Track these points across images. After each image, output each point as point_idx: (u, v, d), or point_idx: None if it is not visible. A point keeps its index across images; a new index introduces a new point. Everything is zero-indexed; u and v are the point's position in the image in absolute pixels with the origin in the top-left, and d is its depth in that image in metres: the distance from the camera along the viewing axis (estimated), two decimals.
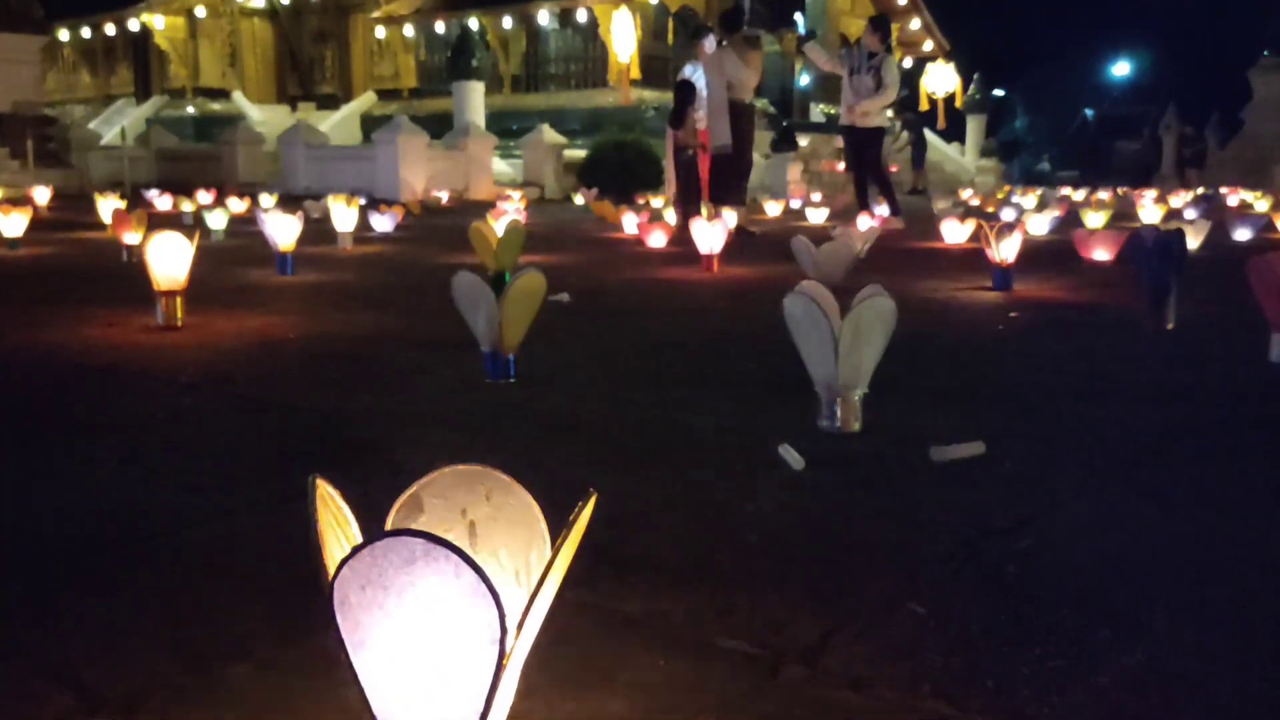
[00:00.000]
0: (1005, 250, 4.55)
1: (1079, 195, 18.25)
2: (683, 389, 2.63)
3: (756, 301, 4.29)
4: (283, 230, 5.11)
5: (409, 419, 2.30)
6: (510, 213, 8.69)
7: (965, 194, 17.76)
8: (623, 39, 20.25)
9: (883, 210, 10.38)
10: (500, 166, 18.14)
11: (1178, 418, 2.31)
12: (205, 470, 1.90)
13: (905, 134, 21.86)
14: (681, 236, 7.22)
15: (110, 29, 25.98)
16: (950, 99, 25.57)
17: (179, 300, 3.47)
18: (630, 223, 8.79)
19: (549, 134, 18.13)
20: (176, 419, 2.31)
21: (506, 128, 19.80)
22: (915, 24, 26.42)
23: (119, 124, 22.13)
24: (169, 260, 3.40)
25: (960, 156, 25.06)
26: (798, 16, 10.70)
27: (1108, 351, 3.17)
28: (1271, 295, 2.76)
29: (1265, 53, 26.92)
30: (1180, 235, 3.41)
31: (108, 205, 8.53)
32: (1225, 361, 2.98)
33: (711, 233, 5.53)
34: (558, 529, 0.83)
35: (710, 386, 2.65)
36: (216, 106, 25.07)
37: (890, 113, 25.49)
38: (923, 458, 1.92)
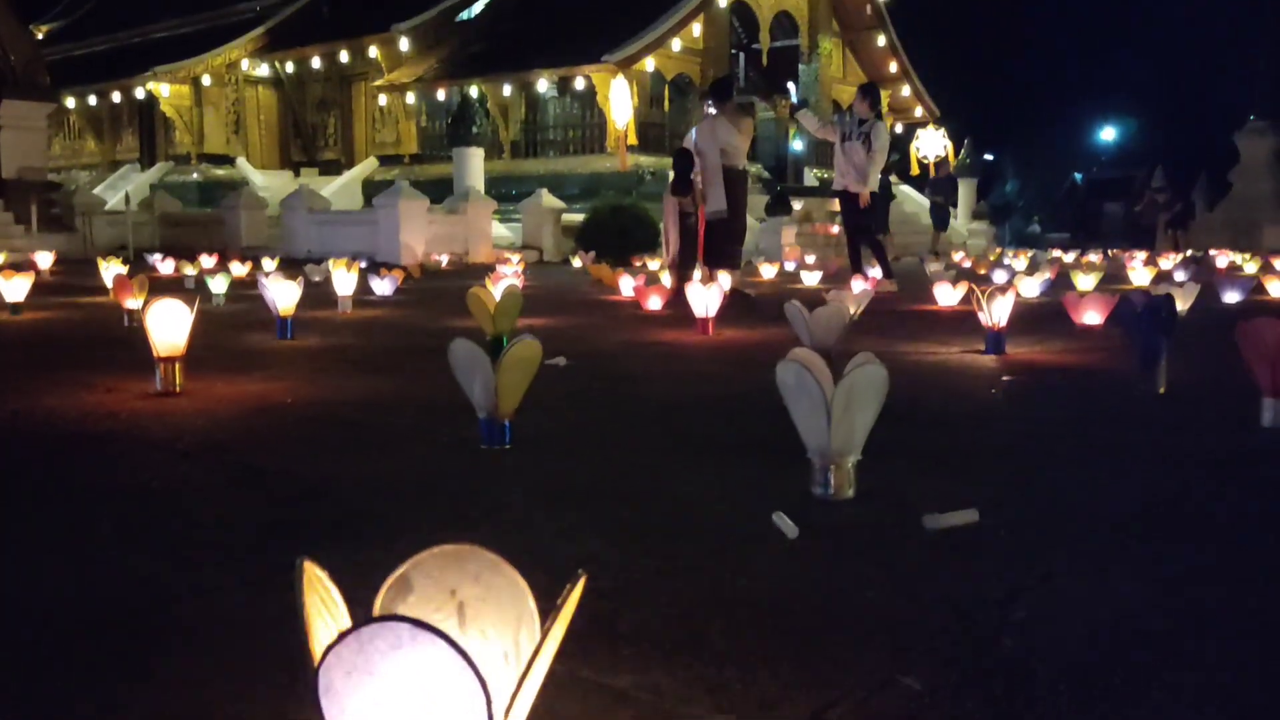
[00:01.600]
0: (997, 313, 4.59)
1: (1069, 257, 18.40)
2: (678, 455, 2.64)
3: (751, 365, 4.32)
4: (283, 295, 5.15)
5: (404, 486, 2.31)
6: (508, 277, 8.76)
7: (958, 256, 17.90)
8: (620, 106, 20.64)
9: (875, 272, 10.45)
10: (500, 230, 18.31)
11: (1171, 485, 2.32)
12: (198, 541, 1.91)
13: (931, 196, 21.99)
14: (678, 299, 7.27)
15: (117, 96, 26.36)
16: (941, 163, 25.93)
17: (178, 366, 3.49)
18: (627, 285, 8.86)
19: (547, 198, 18.33)
20: (171, 487, 2.31)
21: (506, 192, 20.02)
22: (905, 91, 26.83)
23: (123, 189, 22.32)
24: (169, 327, 3.42)
25: (953, 220, 25.25)
26: (790, 85, 10.93)
27: (1100, 416, 3.18)
28: (1262, 361, 2.78)
29: (1251, 117, 27.31)
30: (1169, 300, 3.45)
31: (110, 270, 8.59)
32: (1217, 426, 2.99)
33: (707, 296, 5.58)
34: (548, 607, 0.84)
35: (705, 452, 2.66)
36: (220, 172, 25.35)
37: (893, 177, 25.81)
38: (917, 525, 1.92)
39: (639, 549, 1.83)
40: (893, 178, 26.41)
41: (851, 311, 6.14)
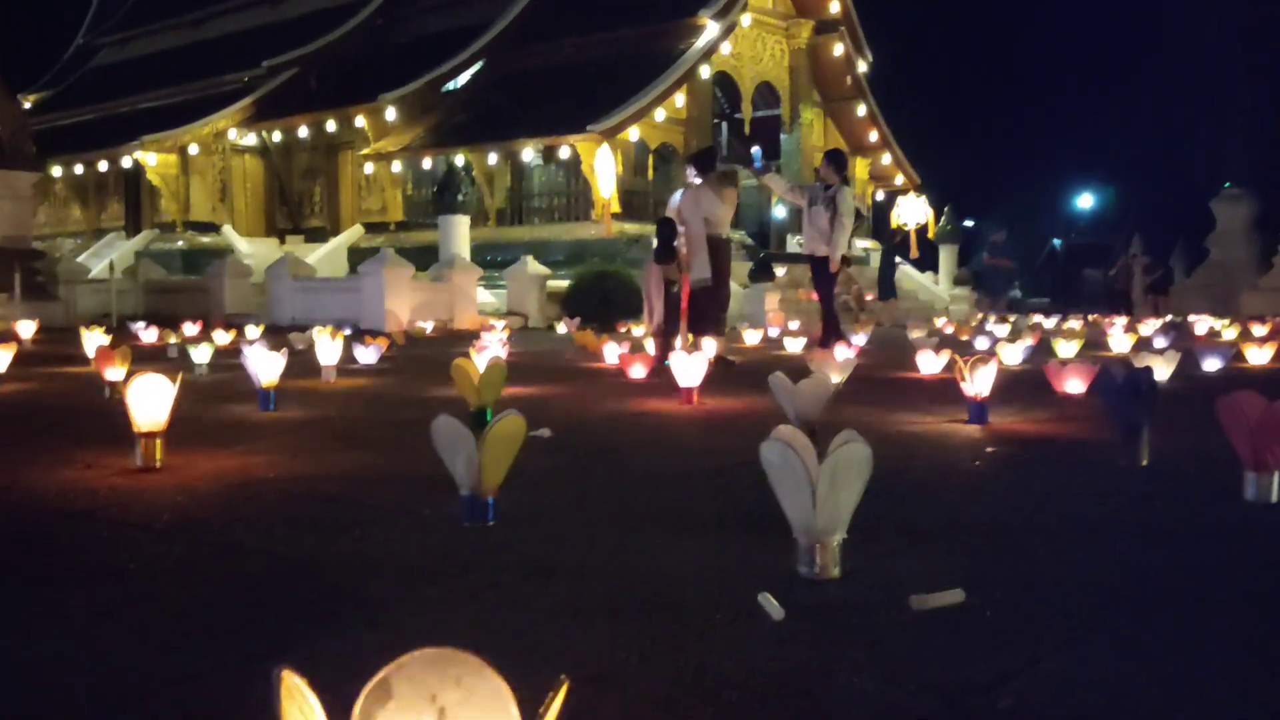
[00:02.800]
0: (980, 383, 4.61)
1: (1050, 323, 18.56)
2: (662, 531, 2.62)
3: (735, 435, 4.32)
4: (265, 366, 5.14)
5: (385, 565, 2.29)
6: (493, 344, 8.77)
7: (940, 322, 18.03)
8: (604, 175, 20.76)
9: (859, 339, 10.51)
10: (485, 296, 18.37)
11: (1156, 561, 2.31)
12: (175, 625, 1.88)
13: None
14: (662, 367, 7.28)
15: (103, 165, 26.48)
16: (923, 230, 26.25)
17: (158, 442, 3.46)
18: (611, 353, 8.87)
19: (533, 265, 18.43)
20: (150, 568, 2.28)
21: (491, 259, 20.13)
22: (886, 159, 27.22)
23: (108, 257, 22.35)
24: (149, 402, 3.40)
25: (934, 285, 25.54)
26: (755, 149, 11.02)
27: (1084, 488, 3.19)
28: (1242, 434, 2.80)
29: (1227, 184, 27.81)
30: (1149, 373, 3.48)
31: (92, 340, 8.56)
32: (1200, 499, 3.00)
33: (691, 366, 5.59)
34: (532, 706, 0.82)
35: (690, 528, 2.65)
36: (206, 240, 25.41)
37: (869, 243, 26.04)
38: (903, 605, 1.91)
39: (623, 630, 1.81)
40: (873, 243, 26.79)
41: (836, 380, 6.17)
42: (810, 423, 3.77)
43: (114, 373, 5.87)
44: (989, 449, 3.99)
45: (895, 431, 4.46)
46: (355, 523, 2.72)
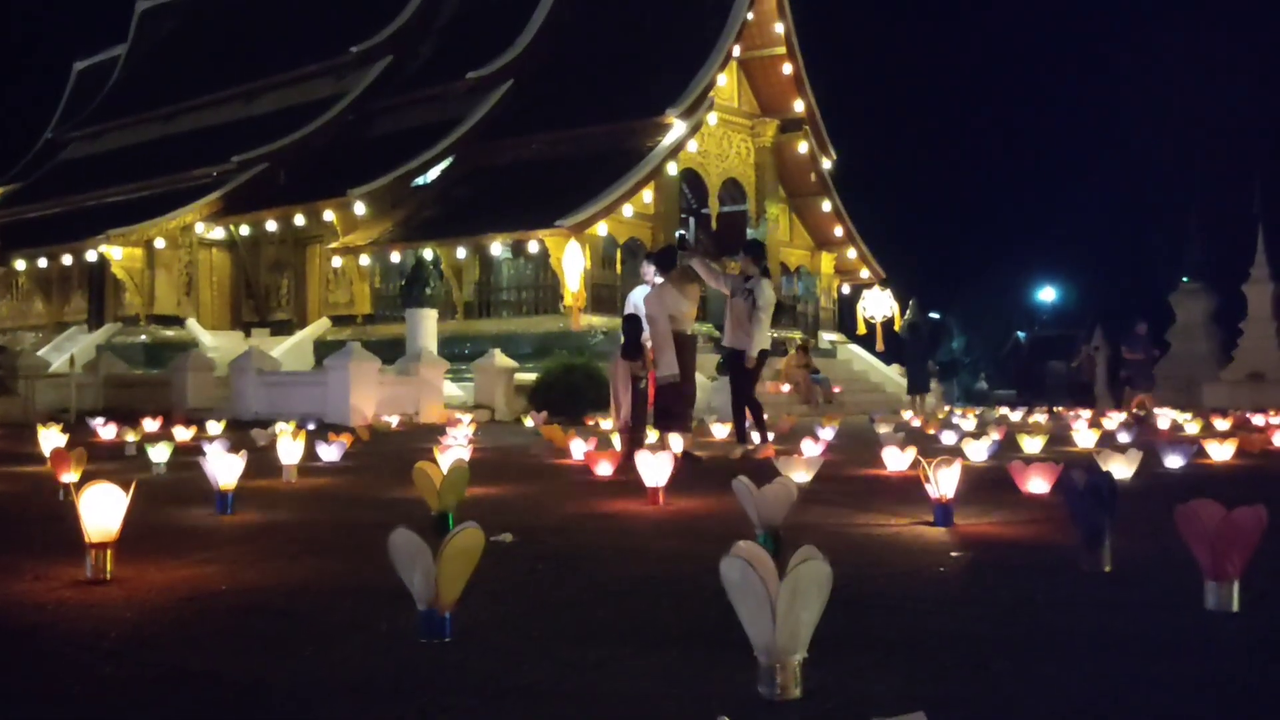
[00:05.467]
0: (944, 485, 4.61)
1: (1016, 415, 18.70)
2: (625, 646, 2.57)
3: (701, 540, 4.28)
4: (224, 468, 5.06)
5: (338, 686, 2.23)
6: (458, 442, 8.71)
7: (907, 415, 18.12)
8: (573, 269, 21.05)
9: (827, 434, 10.52)
10: (451, 389, 18.31)
11: (1120, 678, 2.29)
12: None
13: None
14: (628, 464, 7.24)
15: (68, 259, 26.39)
16: (888, 322, 26.59)
17: (109, 553, 3.38)
18: (578, 449, 8.82)
19: (500, 358, 18.43)
20: (94, 692, 2.21)
21: (459, 351, 20.14)
22: (852, 254, 27.67)
23: (69, 351, 22.15)
24: (101, 512, 3.33)
25: (901, 379, 25.73)
26: (681, 232, 11.04)
27: (1048, 596, 3.17)
28: (1201, 543, 2.80)
29: (1184, 279, 28.44)
30: (1110, 478, 3.49)
31: (48, 438, 8.42)
32: (1163, 609, 2.99)
33: (656, 465, 5.56)
34: None
35: (653, 643, 2.60)
36: (169, 333, 25.27)
37: (836, 335, 26.19)
38: None
39: None
40: (839, 336, 27.04)
41: (804, 480, 6.16)
42: (774, 528, 3.74)
43: (69, 475, 5.77)
44: (954, 553, 3.97)
45: (860, 535, 4.44)
46: (309, 639, 2.65)
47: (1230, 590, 2.82)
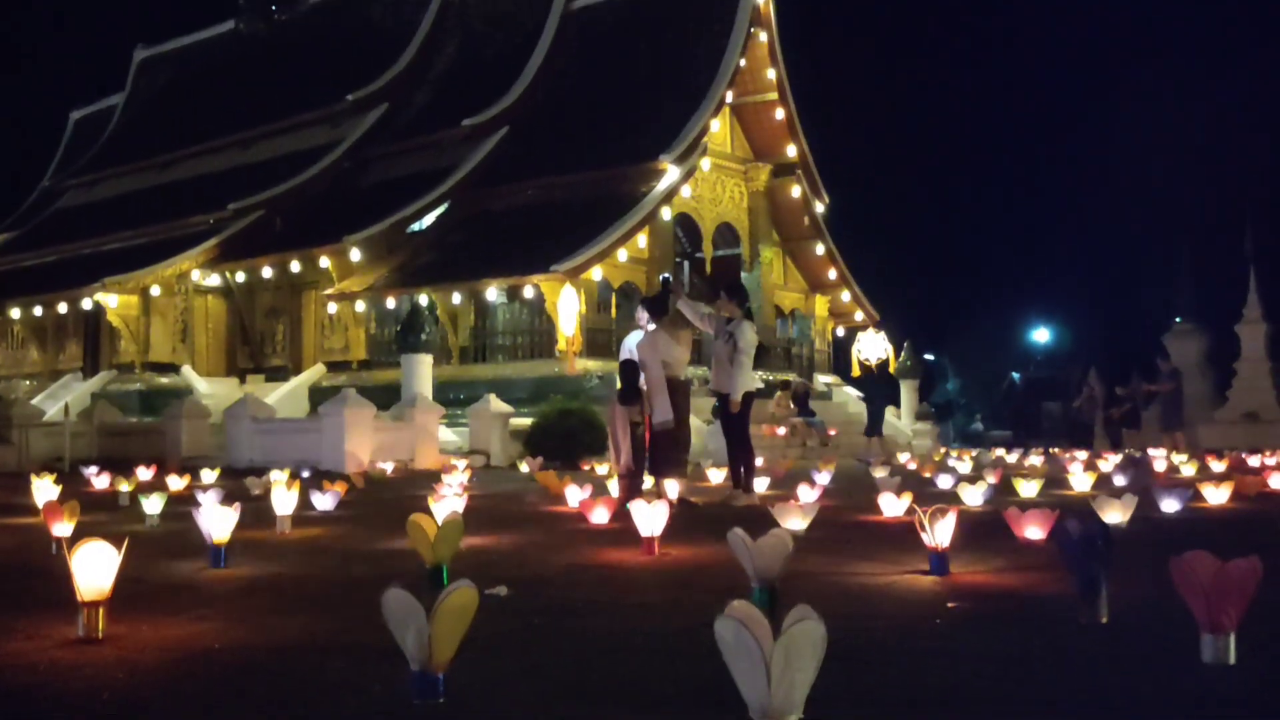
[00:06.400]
0: (940, 534, 4.60)
1: (1012, 457, 18.70)
2: (621, 706, 2.56)
3: (696, 592, 4.26)
4: (217, 524, 5.04)
5: None
6: (452, 492, 8.68)
7: (903, 458, 18.12)
8: (568, 313, 21.11)
9: (823, 478, 10.50)
10: (447, 435, 18.27)
11: None
12: None
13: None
14: (624, 511, 7.22)
15: (63, 307, 26.41)
16: (883, 365, 26.62)
17: (101, 611, 3.36)
18: (573, 496, 8.79)
19: (495, 403, 18.41)
20: None
21: (454, 397, 20.11)
22: (846, 296, 27.76)
23: (65, 399, 22.10)
24: (94, 570, 3.32)
25: (897, 420, 25.76)
26: (665, 275, 11.11)
27: (1045, 650, 3.16)
28: (1197, 596, 2.80)
29: (1178, 319, 28.57)
30: (1105, 529, 3.49)
31: (41, 489, 8.39)
32: (1160, 662, 2.98)
33: (652, 515, 5.55)
34: None
35: (648, 703, 2.59)
36: (164, 380, 25.24)
37: (830, 378, 26.22)
38: None
39: None
40: (834, 378, 27.07)
41: (799, 528, 6.14)
42: (770, 580, 3.73)
43: (61, 528, 5.74)
44: (950, 604, 3.96)
45: (857, 585, 4.43)
46: (301, 700, 2.64)
47: (1226, 643, 2.81)
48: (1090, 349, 35.94)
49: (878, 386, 21.75)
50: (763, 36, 25.03)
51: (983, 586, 4.37)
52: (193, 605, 4.09)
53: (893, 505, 7.43)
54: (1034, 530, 5.58)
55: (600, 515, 7.28)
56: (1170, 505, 7.31)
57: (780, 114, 25.80)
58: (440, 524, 4.69)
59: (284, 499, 7.05)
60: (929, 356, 38.33)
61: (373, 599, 2.70)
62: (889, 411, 26.07)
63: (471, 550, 5.59)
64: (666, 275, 11.51)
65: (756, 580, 3.75)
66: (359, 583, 4.61)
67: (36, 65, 62.54)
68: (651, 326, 9.16)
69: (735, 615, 2.10)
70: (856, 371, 25.83)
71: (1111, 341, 38.40)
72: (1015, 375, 46.51)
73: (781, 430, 20.76)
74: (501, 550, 5.89)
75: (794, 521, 6.10)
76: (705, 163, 24.10)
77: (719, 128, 24.91)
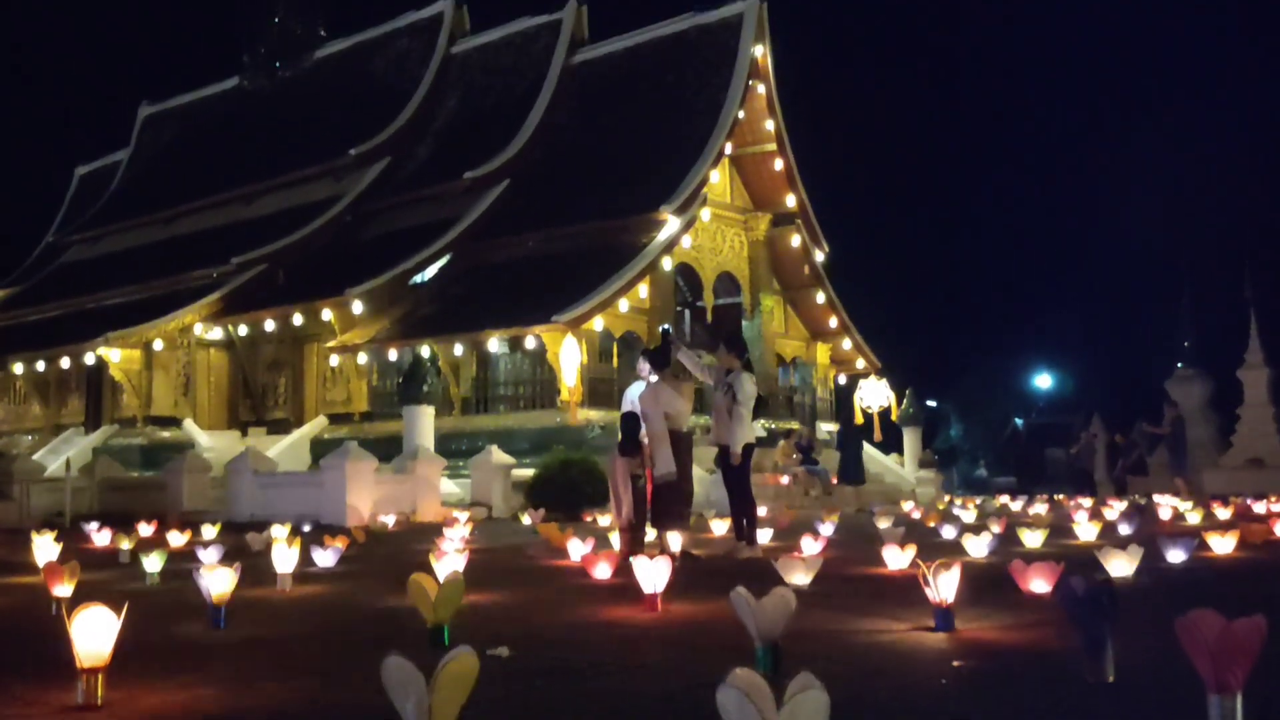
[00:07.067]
0: (944, 589, 4.57)
1: (1016, 505, 18.61)
2: None
3: (698, 651, 4.23)
4: (217, 583, 5.02)
5: None
6: (454, 547, 8.64)
7: (907, 506, 18.03)
8: (569, 363, 21.14)
9: (827, 529, 10.46)
10: (448, 486, 18.22)
11: None
12: None
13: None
14: (626, 564, 7.18)
15: (66, 362, 26.44)
16: (885, 412, 26.59)
17: (100, 678, 3.33)
18: (575, 550, 8.74)
19: (497, 454, 18.36)
20: None
21: (456, 448, 20.08)
22: (847, 344, 27.79)
23: (66, 453, 22.08)
24: (93, 636, 3.30)
25: (900, 468, 25.68)
26: (664, 327, 11.12)
27: (1052, 710, 3.13)
28: (1203, 656, 2.77)
29: (1179, 365, 28.56)
30: (1110, 588, 3.47)
31: (42, 548, 8.36)
32: None
33: (654, 571, 5.52)
34: None
35: None
36: (166, 434, 25.23)
37: (833, 426, 26.17)
38: None
39: None
40: (837, 426, 27.00)
41: (802, 582, 6.11)
42: (773, 641, 3.70)
43: (62, 589, 5.71)
44: (955, 662, 3.92)
45: (861, 643, 4.39)
46: None
47: (1233, 704, 2.78)
48: (1093, 394, 35.95)
49: (848, 433, 22.10)
50: (761, 88, 25.32)
51: (988, 643, 4.34)
52: (192, 669, 4.05)
53: (897, 558, 7.39)
54: (1039, 583, 5.54)
55: (602, 570, 7.24)
56: (1176, 556, 7.27)
57: (779, 164, 26.03)
58: (441, 583, 4.66)
59: (284, 556, 7.01)
60: (932, 403, 38.29)
61: (374, 661, 2.68)
62: (893, 459, 26.04)
63: (473, 606, 5.55)
64: (667, 327, 11.55)
65: (759, 640, 3.72)
66: (360, 644, 4.58)
67: (43, 121, 63.37)
68: (654, 378, 9.18)
69: (738, 685, 2.08)
70: (859, 419, 25.78)
71: (1114, 387, 38.41)
72: (1018, 421, 46.43)
73: (785, 479, 20.69)
74: (503, 607, 5.85)
75: (797, 576, 6.07)
76: (705, 213, 24.28)
77: (718, 178, 25.12)
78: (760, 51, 25.22)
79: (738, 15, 25.62)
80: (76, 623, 3.28)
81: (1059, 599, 3.71)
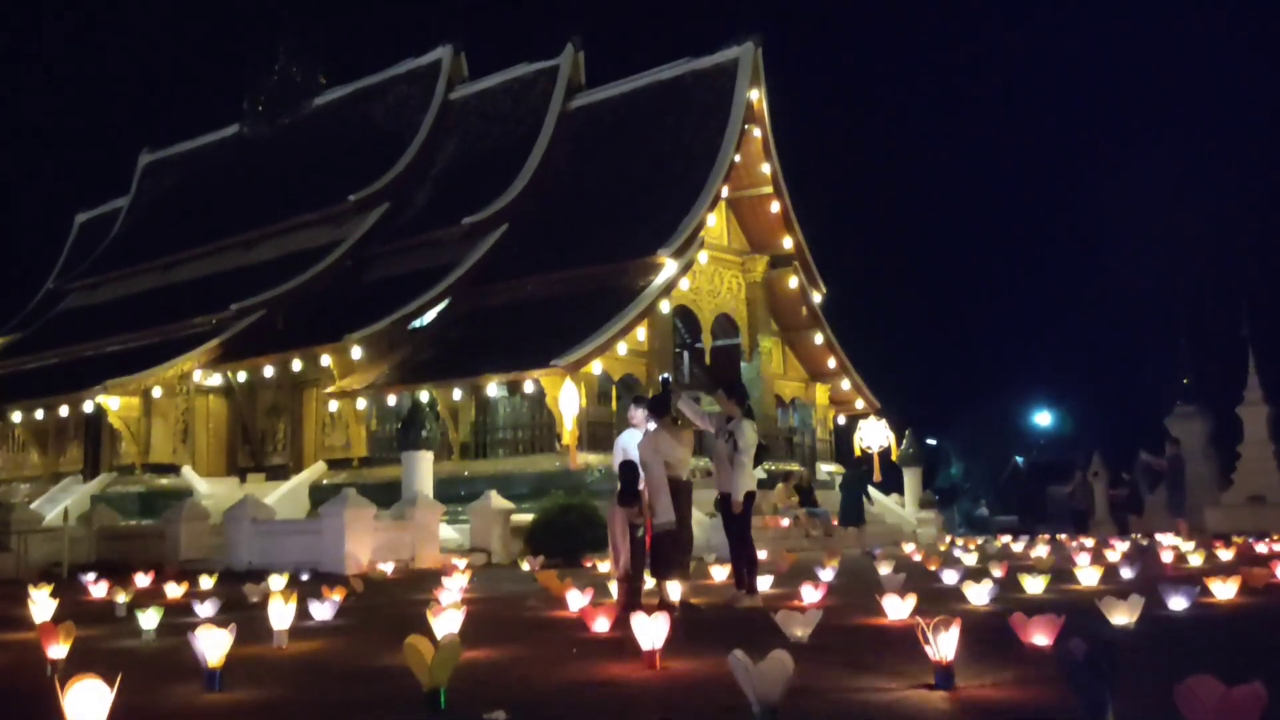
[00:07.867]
0: (944, 647, 4.55)
1: (1018, 545, 18.53)
2: None
3: (698, 716, 4.19)
4: (212, 646, 4.99)
5: None
6: (452, 598, 8.59)
7: (908, 548, 17.95)
8: (569, 407, 21.10)
9: (827, 574, 10.40)
10: (447, 532, 18.14)
11: None
12: None
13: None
14: (626, 616, 7.13)
15: (64, 410, 26.41)
16: (885, 452, 26.56)
17: None
18: (574, 600, 8.68)
19: (496, 500, 18.30)
20: None
21: (454, 493, 19.99)
22: (846, 385, 27.78)
23: (64, 502, 22.00)
24: (86, 708, 3.28)
25: (900, 509, 25.60)
26: (664, 375, 11.13)
27: None
28: None
29: (1179, 401, 28.52)
30: (1110, 650, 3.45)
31: (38, 604, 8.31)
32: None
33: (652, 627, 5.48)
34: None
35: None
36: (164, 482, 25.15)
37: (833, 466, 26.11)
38: None
39: None
40: (836, 467, 26.96)
41: (800, 634, 6.07)
42: (772, 705, 3.68)
43: (57, 650, 5.67)
44: None
45: (859, 702, 4.36)
46: None
47: None
48: (1093, 431, 35.90)
49: (852, 475, 22.16)
50: (757, 132, 25.51)
51: (989, 701, 4.30)
52: None
53: (897, 607, 7.35)
54: (1040, 637, 5.51)
55: (601, 624, 7.20)
56: (1178, 604, 7.23)
57: (776, 207, 26.17)
58: (438, 646, 4.64)
59: (281, 612, 6.97)
60: (931, 441, 38.23)
61: None
62: (893, 500, 25.97)
63: (471, 663, 5.51)
64: (667, 375, 11.59)
65: (758, 705, 3.70)
66: (355, 707, 4.55)
67: (44, 168, 63.72)
68: (651, 426, 9.17)
69: None
70: (859, 457, 25.73)
71: (1114, 423, 38.38)
72: (1019, 459, 46.33)
73: (785, 521, 20.62)
74: (500, 665, 5.81)
75: (796, 629, 6.04)
76: (703, 256, 24.36)
77: (715, 221, 25.24)
78: (756, 95, 25.44)
79: (733, 60, 25.87)
80: (70, 696, 3.26)
81: (1059, 663, 3.69)
